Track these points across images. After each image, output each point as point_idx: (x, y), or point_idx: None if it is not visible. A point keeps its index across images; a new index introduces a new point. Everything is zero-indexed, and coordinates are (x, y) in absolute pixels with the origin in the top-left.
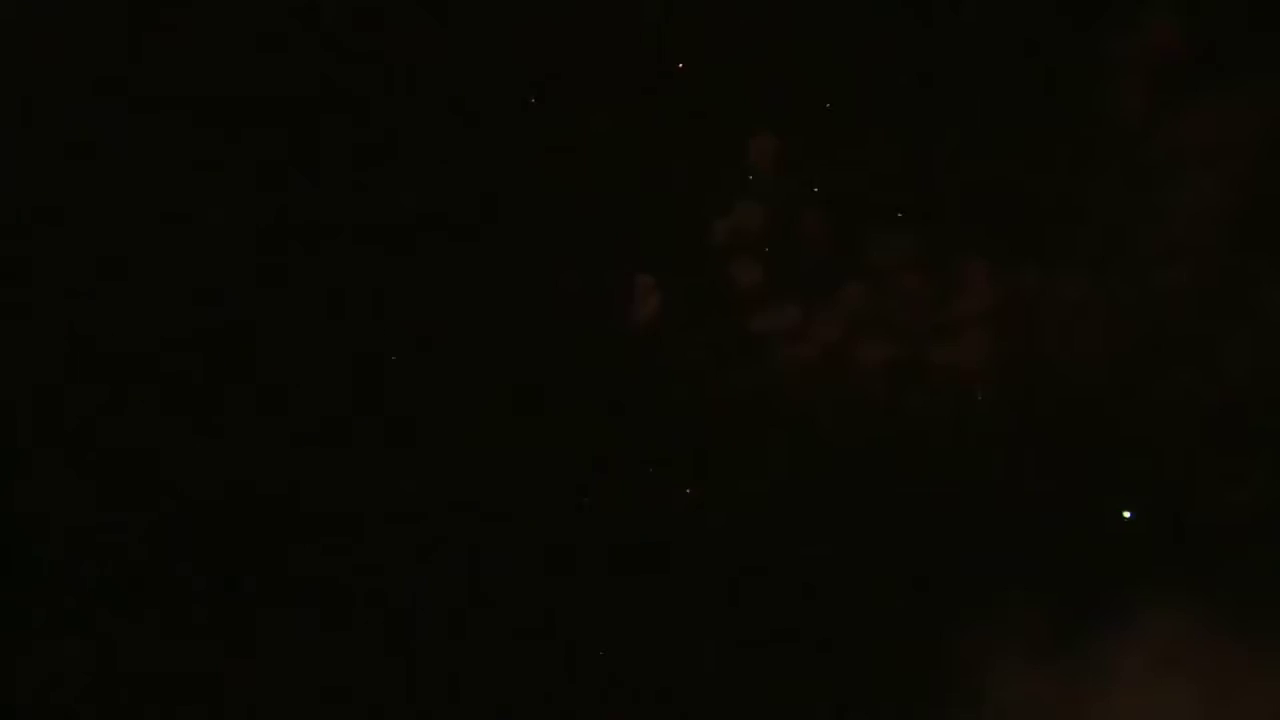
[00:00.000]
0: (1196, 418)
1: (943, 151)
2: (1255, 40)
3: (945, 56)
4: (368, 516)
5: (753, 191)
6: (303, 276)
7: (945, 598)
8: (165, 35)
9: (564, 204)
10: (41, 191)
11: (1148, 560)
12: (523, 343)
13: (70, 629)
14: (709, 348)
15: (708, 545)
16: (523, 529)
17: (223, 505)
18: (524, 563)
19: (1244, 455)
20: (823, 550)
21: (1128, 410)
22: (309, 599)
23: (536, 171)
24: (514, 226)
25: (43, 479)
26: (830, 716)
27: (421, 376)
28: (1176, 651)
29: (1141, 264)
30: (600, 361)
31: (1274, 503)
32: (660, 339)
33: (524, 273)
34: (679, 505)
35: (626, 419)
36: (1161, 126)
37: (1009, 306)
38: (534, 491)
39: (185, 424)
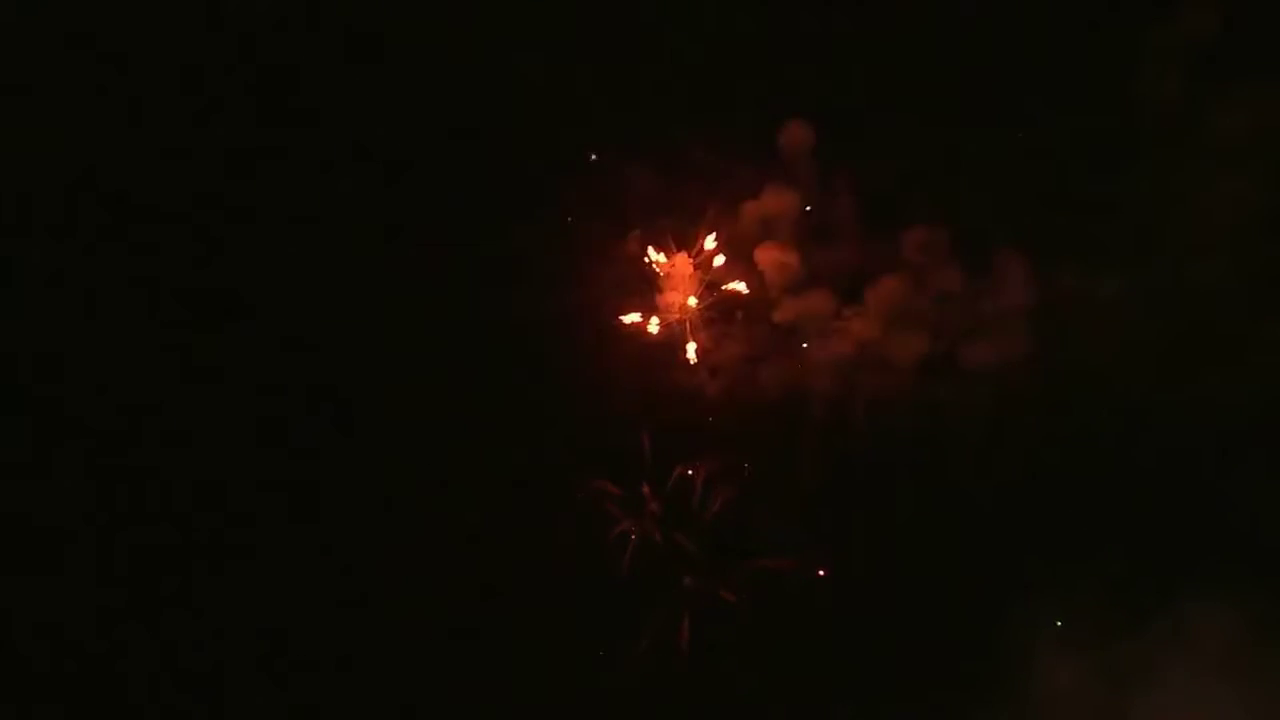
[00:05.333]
0: (1233, 413)
1: (978, 149)
2: None
3: (978, 52)
4: None
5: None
6: None
7: (986, 593)
8: None
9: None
10: None
11: (1183, 558)
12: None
13: None
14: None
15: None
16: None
17: None
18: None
19: None
20: (859, 546)
21: (1164, 406)
22: None
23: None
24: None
25: None
26: (866, 711)
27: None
28: (1215, 650)
29: (1177, 260)
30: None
31: None
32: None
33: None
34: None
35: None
36: (1197, 122)
37: (1042, 303)
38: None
39: None
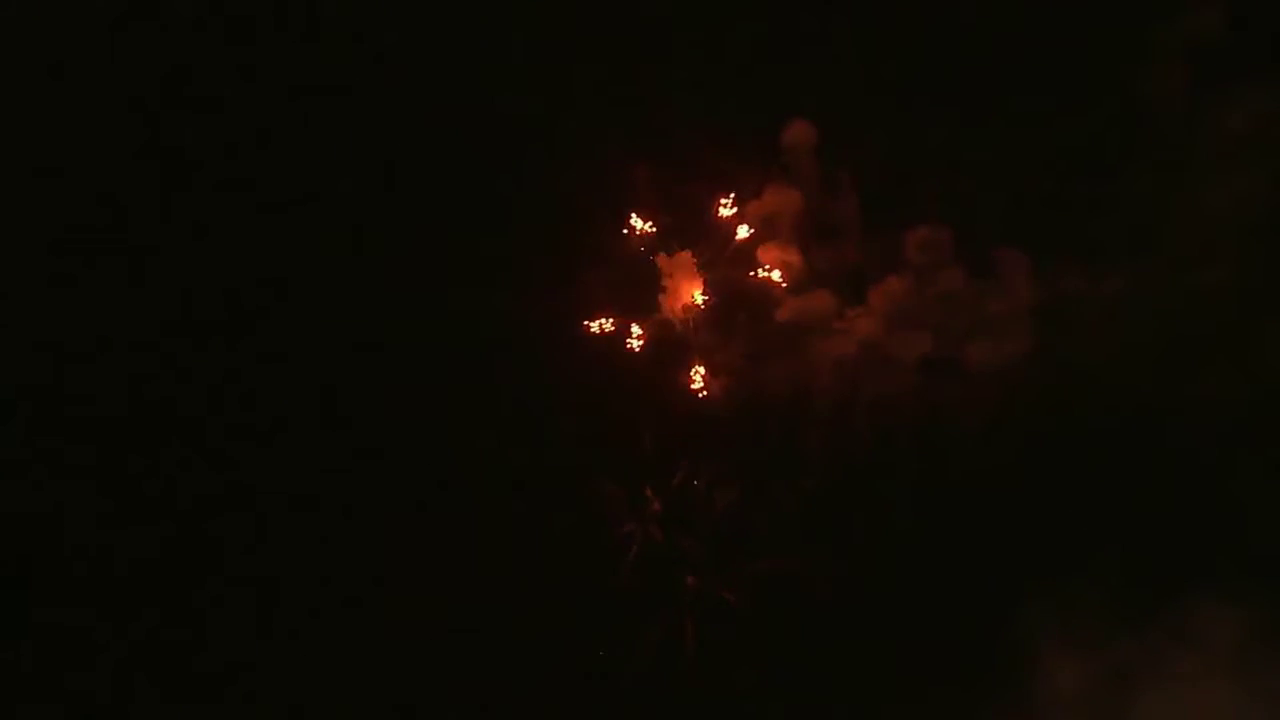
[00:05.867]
0: (1233, 414)
1: (979, 149)
2: None
3: (982, 52)
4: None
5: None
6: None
7: (988, 593)
8: None
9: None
10: None
11: (1186, 558)
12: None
13: None
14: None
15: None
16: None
17: None
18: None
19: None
20: (861, 546)
21: (1164, 406)
22: None
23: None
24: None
25: None
26: (873, 707)
27: (446, 369)
28: (1218, 650)
29: (1178, 262)
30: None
31: None
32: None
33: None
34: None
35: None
36: (1198, 124)
37: (1046, 303)
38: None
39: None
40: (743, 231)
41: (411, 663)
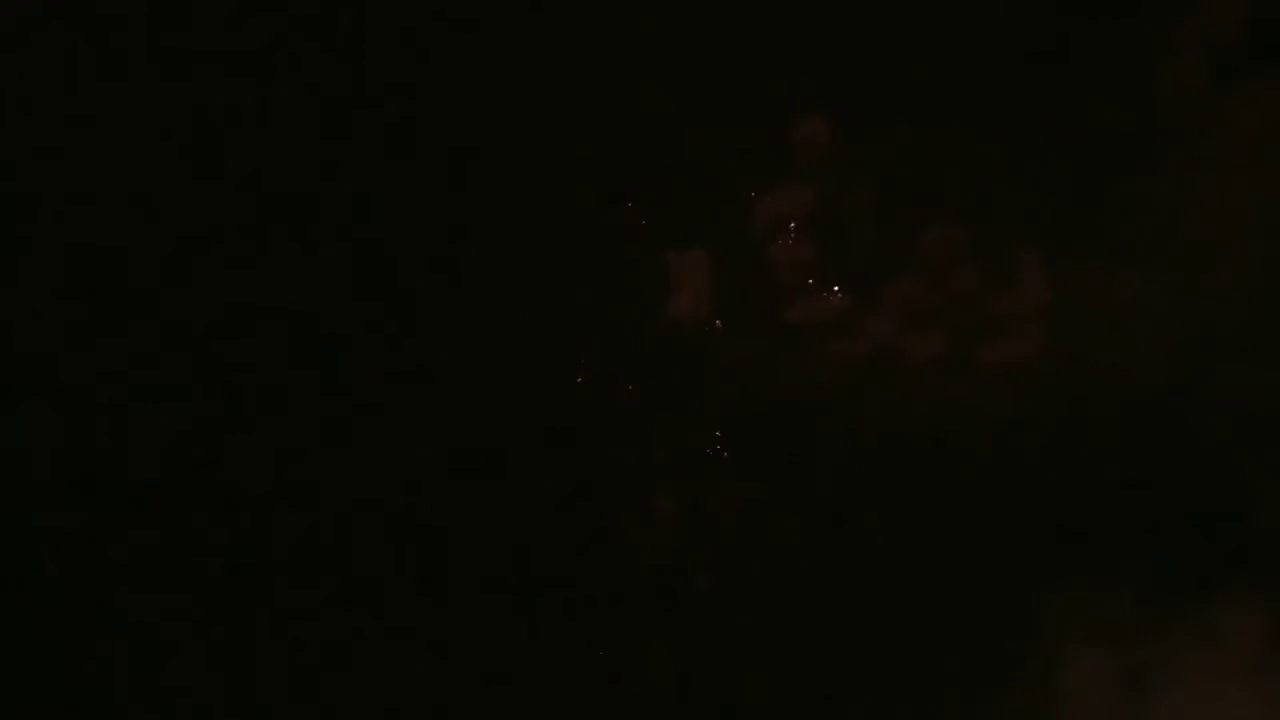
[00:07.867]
0: (1254, 417)
1: (992, 142)
2: None
3: (992, 44)
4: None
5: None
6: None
7: (1001, 596)
8: None
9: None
10: None
11: (1207, 557)
12: (552, 336)
13: None
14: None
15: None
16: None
17: None
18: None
19: None
20: (877, 547)
21: (1183, 409)
22: None
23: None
24: (539, 212)
25: None
26: (888, 707)
27: (438, 371)
28: (1242, 655)
29: (1197, 260)
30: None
31: None
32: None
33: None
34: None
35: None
36: (1218, 116)
37: (1061, 302)
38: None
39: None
40: (767, 224)
41: (411, 664)
